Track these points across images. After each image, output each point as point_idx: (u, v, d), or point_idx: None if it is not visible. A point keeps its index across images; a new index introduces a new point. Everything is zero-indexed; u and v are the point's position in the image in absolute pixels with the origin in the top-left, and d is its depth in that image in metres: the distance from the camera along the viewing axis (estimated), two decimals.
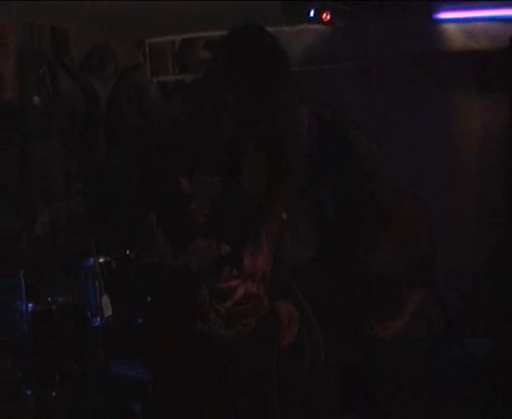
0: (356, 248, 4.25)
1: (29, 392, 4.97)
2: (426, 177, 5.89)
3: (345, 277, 4.50)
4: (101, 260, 5.59)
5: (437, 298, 5.16)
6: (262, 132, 2.75)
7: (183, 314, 2.81)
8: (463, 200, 6.52)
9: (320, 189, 4.76)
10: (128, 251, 5.88)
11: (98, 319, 5.33)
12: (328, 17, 6.29)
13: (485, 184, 6.61)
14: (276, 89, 2.78)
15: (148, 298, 5.68)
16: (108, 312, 5.31)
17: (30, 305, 5.18)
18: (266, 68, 2.79)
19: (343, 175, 5.10)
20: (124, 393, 5.16)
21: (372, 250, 4.14)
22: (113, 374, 5.33)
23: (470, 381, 5.29)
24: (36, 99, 6.43)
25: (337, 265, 3.65)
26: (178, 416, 2.91)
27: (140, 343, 4.90)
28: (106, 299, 5.30)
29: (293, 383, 3.11)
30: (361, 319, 4.82)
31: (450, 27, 6.56)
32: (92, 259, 5.45)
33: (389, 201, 3.82)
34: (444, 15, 6.44)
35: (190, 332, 2.80)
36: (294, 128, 2.87)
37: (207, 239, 2.84)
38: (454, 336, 5.29)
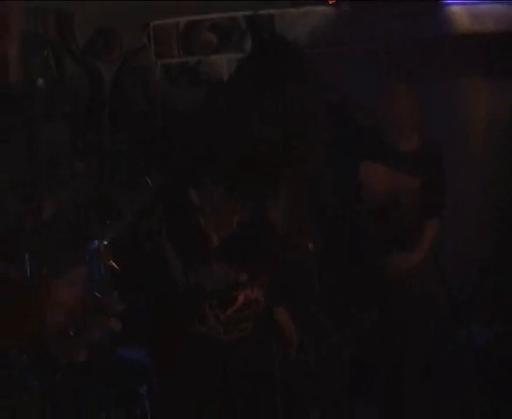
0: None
1: (34, 377, 4.97)
2: None
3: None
4: (106, 243, 5.58)
5: (444, 284, 5.16)
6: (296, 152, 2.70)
7: (183, 316, 2.79)
8: (469, 187, 6.49)
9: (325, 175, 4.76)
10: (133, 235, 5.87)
11: None
12: None
13: (492, 170, 6.59)
14: (305, 100, 2.75)
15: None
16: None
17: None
18: (295, 82, 2.75)
19: (350, 159, 5.09)
20: (129, 377, 5.16)
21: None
22: (118, 358, 5.33)
23: (474, 367, 5.30)
24: (40, 83, 6.41)
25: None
26: (178, 411, 2.90)
27: (143, 332, 4.91)
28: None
29: (297, 381, 3.11)
30: (378, 252, 4.87)
31: (456, 9, 6.52)
32: (97, 242, 5.44)
33: None
34: None
35: (189, 332, 2.78)
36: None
37: (223, 263, 2.79)
38: (460, 321, 5.29)
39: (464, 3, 6.42)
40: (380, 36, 6.55)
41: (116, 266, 4.18)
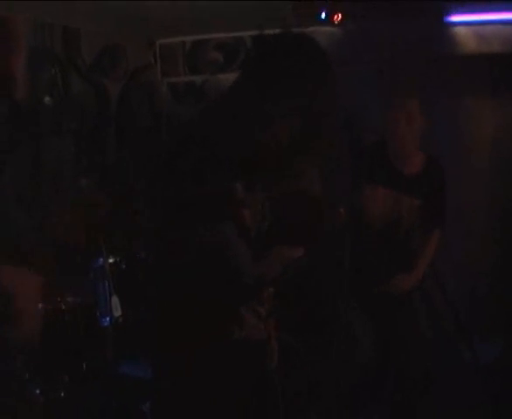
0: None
1: (38, 391, 4.97)
2: None
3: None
4: (111, 260, 5.59)
5: (448, 302, 5.16)
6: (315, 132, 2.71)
7: (221, 322, 2.71)
8: (474, 204, 6.50)
9: None
10: (137, 252, 5.88)
11: (107, 319, 5.32)
12: (340, 18, 6.27)
13: (496, 188, 6.60)
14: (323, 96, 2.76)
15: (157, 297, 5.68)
16: (118, 312, 5.31)
17: (39, 304, 5.17)
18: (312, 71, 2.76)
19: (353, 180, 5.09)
20: (133, 393, 5.16)
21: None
22: (122, 374, 5.33)
23: (479, 384, 5.28)
24: (47, 99, 6.44)
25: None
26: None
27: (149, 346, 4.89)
28: (115, 300, 5.30)
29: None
30: (378, 275, 4.87)
31: (461, 30, 6.55)
32: (101, 259, 5.44)
33: None
34: (456, 18, 6.43)
35: (225, 340, 2.71)
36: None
37: (279, 248, 2.78)
38: (465, 340, 5.28)
39: (469, 24, 6.44)
40: (385, 56, 6.57)
41: None
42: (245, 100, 2.72)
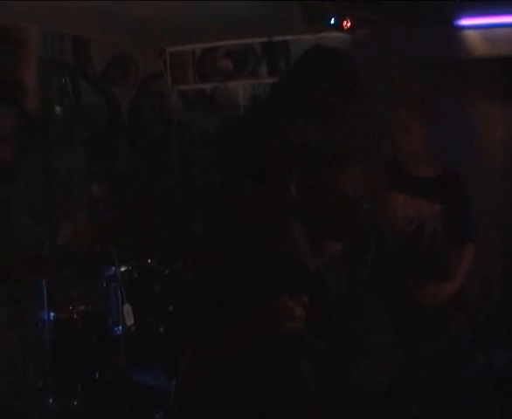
0: None
1: (51, 400, 4.97)
2: None
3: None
4: (123, 269, 5.60)
5: (463, 310, 5.12)
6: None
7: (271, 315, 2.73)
8: (487, 208, 6.46)
9: None
10: (149, 260, 5.89)
11: (120, 327, 5.33)
12: (349, 24, 6.27)
13: (509, 192, 6.56)
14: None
15: (170, 308, 5.69)
16: (130, 320, 5.31)
17: (52, 313, 5.19)
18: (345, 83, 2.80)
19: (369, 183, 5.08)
20: (146, 401, 5.16)
21: None
22: (134, 382, 5.33)
23: (492, 390, 5.25)
24: (57, 109, 6.46)
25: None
26: None
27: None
28: (127, 308, 5.30)
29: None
30: (413, 281, 4.84)
31: (471, 34, 6.53)
32: (113, 268, 5.46)
33: None
34: (465, 21, 6.41)
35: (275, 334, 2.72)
36: None
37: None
38: (480, 347, 5.25)
39: (479, 28, 6.42)
40: (395, 62, 6.55)
41: None
42: (288, 104, 2.78)
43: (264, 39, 7.27)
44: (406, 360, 4.84)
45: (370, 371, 4.43)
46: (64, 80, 6.43)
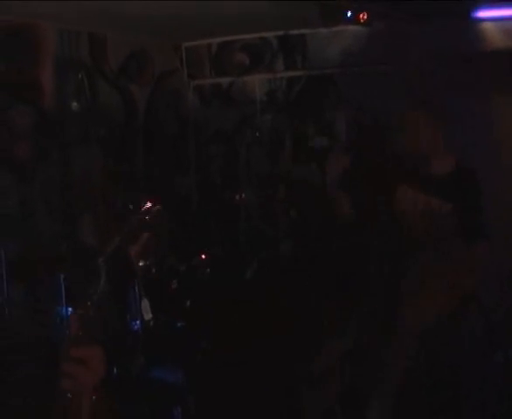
0: None
1: (69, 395, 4.97)
2: None
3: None
4: (141, 264, 5.60)
5: (480, 309, 5.10)
6: None
7: None
8: (503, 204, 6.40)
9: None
10: (167, 256, 5.90)
11: (137, 322, 5.34)
12: (366, 18, 6.24)
13: None
14: None
15: (188, 303, 5.70)
16: (148, 315, 5.31)
17: (70, 309, 5.21)
18: None
19: (381, 179, 5.07)
20: (163, 397, 5.17)
21: None
22: (152, 378, 5.34)
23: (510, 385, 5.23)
24: (74, 107, 6.47)
25: None
26: None
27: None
28: (145, 303, 5.30)
29: None
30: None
31: (488, 26, 6.49)
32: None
33: None
34: (482, 14, 6.37)
35: None
36: None
37: None
38: (497, 345, 5.23)
39: (496, 20, 6.38)
40: (412, 55, 6.52)
41: None
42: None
43: (280, 33, 7.26)
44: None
45: None
46: (80, 78, 6.44)
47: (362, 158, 5.42)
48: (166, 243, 5.98)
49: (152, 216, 2.11)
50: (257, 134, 7.45)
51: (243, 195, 6.85)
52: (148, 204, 2.24)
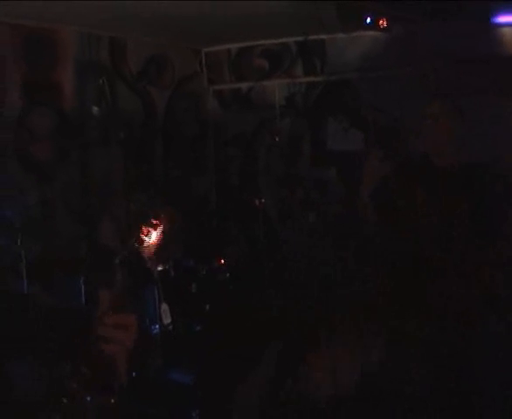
0: None
1: (88, 398, 5.00)
2: None
3: None
4: (160, 268, 5.63)
5: (497, 310, 5.07)
6: None
7: None
8: None
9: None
10: (186, 259, 5.92)
11: (157, 326, 5.36)
12: (385, 23, 6.24)
13: None
14: None
15: (207, 307, 5.73)
16: (167, 319, 5.35)
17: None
18: None
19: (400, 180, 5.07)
20: (182, 400, 5.18)
21: None
22: (171, 381, 5.36)
23: None
24: (95, 110, 6.51)
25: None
26: None
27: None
28: (165, 307, 5.34)
29: None
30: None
31: (508, 31, 6.48)
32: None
33: None
34: (502, 18, 6.37)
35: None
36: None
37: None
38: None
39: None
40: (431, 59, 6.52)
41: None
42: None
43: (299, 38, 7.27)
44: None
45: None
46: (101, 81, 6.48)
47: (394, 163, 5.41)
48: (180, 246, 6.00)
49: (164, 218, 2.15)
50: (276, 138, 7.47)
51: (262, 199, 6.86)
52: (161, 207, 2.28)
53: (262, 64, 7.60)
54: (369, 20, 6.15)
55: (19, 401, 2.20)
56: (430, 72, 6.57)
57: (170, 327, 5.38)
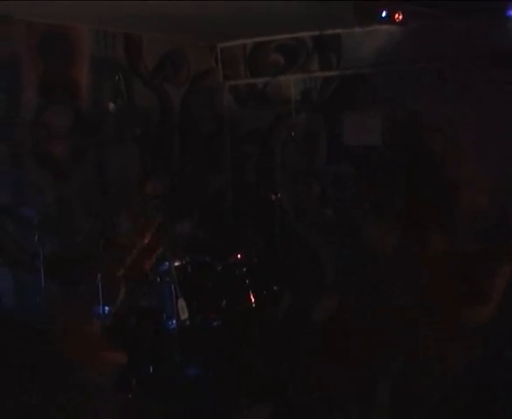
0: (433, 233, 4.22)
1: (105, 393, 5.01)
2: (504, 178, 5.79)
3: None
4: (177, 264, 5.64)
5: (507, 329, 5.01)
6: None
7: None
8: None
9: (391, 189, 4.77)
10: (202, 255, 5.93)
11: (174, 322, 5.37)
12: (401, 17, 6.22)
13: None
14: None
15: (224, 302, 5.73)
16: (184, 315, 5.35)
17: (107, 308, 5.25)
18: None
19: (417, 177, 5.06)
20: (199, 395, 5.19)
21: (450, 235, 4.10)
22: (188, 375, 5.37)
23: None
24: (111, 106, 6.52)
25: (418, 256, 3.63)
26: None
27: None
28: (182, 303, 5.34)
29: None
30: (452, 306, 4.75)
31: None
32: (167, 263, 5.50)
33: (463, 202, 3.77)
34: None
35: None
36: None
37: None
38: None
39: None
40: (447, 53, 6.49)
41: None
42: None
43: (315, 33, 7.25)
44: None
45: None
46: (117, 78, 6.50)
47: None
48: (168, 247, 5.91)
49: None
50: (292, 134, 7.46)
51: (278, 195, 6.86)
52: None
53: (278, 59, 7.59)
54: (384, 14, 6.12)
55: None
56: (447, 67, 6.54)
57: (187, 323, 5.39)
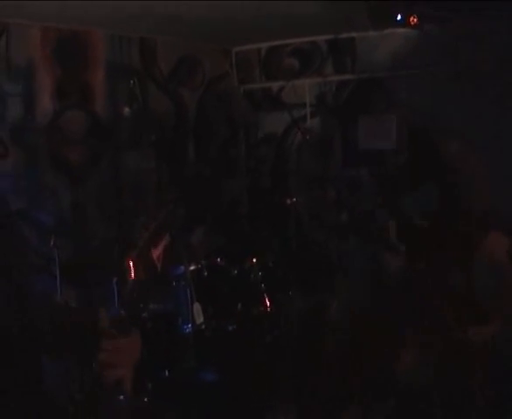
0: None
1: (121, 397, 5.01)
2: None
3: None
4: (192, 268, 5.64)
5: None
6: None
7: None
8: None
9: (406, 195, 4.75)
10: (218, 259, 5.92)
11: (189, 326, 5.37)
12: (416, 20, 6.20)
13: None
14: None
15: (239, 306, 5.73)
16: (200, 319, 5.35)
17: (122, 312, 5.25)
18: None
19: (431, 182, 5.05)
20: (214, 400, 5.18)
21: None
22: (203, 380, 5.36)
23: None
24: (126, 111, 6.53)
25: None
26: None
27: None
28: (197, 307, 5.34)
29: None
30: (453, 323, 4.73)
31: None
32: (183, 267, 5.50)
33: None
34: None
35: None
36: None
37: None
38: None
39: None
40: (463, 57, 6.47)
41: None
42: None
43: (329, 37, 7.25)
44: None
45: None
46: (132, 83, 6.51)
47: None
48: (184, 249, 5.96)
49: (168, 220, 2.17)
50: (307, 137, 7.46)
51: (294, 199, 6.85)
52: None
53: (292, 63, 7.59)
54: (399, 17, 6.11)
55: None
56: (462, 71, 6.51)
57: (203, 327, 5.39)
